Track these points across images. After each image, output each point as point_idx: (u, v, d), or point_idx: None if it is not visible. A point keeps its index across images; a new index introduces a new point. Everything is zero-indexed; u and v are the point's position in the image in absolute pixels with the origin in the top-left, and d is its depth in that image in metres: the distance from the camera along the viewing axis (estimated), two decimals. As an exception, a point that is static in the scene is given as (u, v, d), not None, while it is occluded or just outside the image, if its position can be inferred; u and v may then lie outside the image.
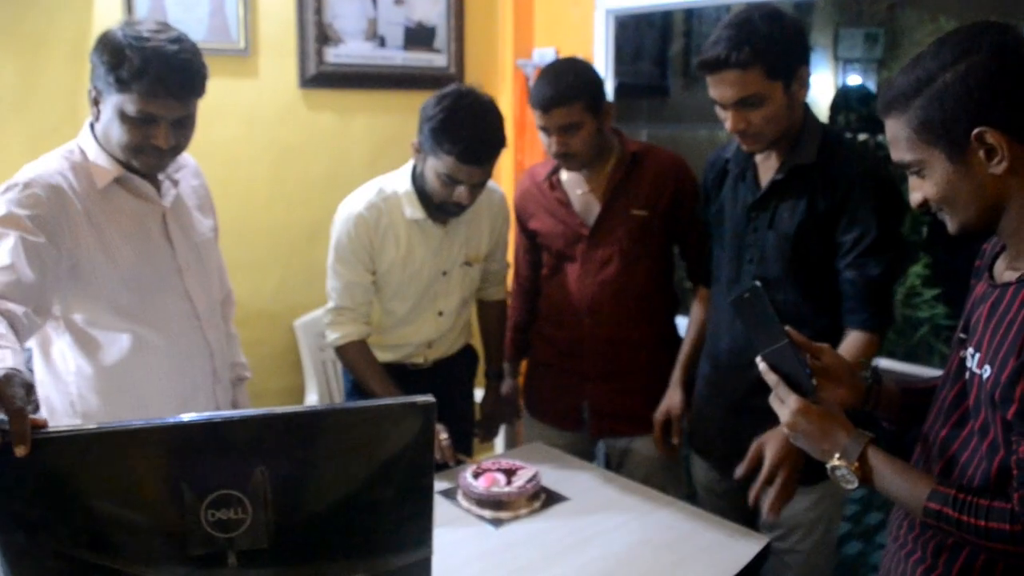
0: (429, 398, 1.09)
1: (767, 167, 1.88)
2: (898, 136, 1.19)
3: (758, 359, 1.32)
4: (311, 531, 1.08)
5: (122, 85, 1.57)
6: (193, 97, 1.66)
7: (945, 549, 1.22)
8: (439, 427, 2.03)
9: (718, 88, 1.74)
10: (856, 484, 1.22)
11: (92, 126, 1.70)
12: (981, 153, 1.12)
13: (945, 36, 1.17)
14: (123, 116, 1.60)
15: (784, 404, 1.29)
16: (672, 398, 2.17)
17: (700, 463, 2.13)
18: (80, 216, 1.63)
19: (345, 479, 1.08)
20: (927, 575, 1.25)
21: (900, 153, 1.20)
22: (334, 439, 1.08)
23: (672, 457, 2.27)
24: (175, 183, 1.81)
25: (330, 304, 2.19)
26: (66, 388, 1.73)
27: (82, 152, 1.69)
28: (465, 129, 1.94)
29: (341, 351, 2.20)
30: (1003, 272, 1.20)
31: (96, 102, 1.65)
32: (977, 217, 1.17)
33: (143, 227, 1.74)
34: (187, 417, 1.02)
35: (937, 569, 1.23)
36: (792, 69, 1.74)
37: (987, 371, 1.14)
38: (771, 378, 1.31)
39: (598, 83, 2.09)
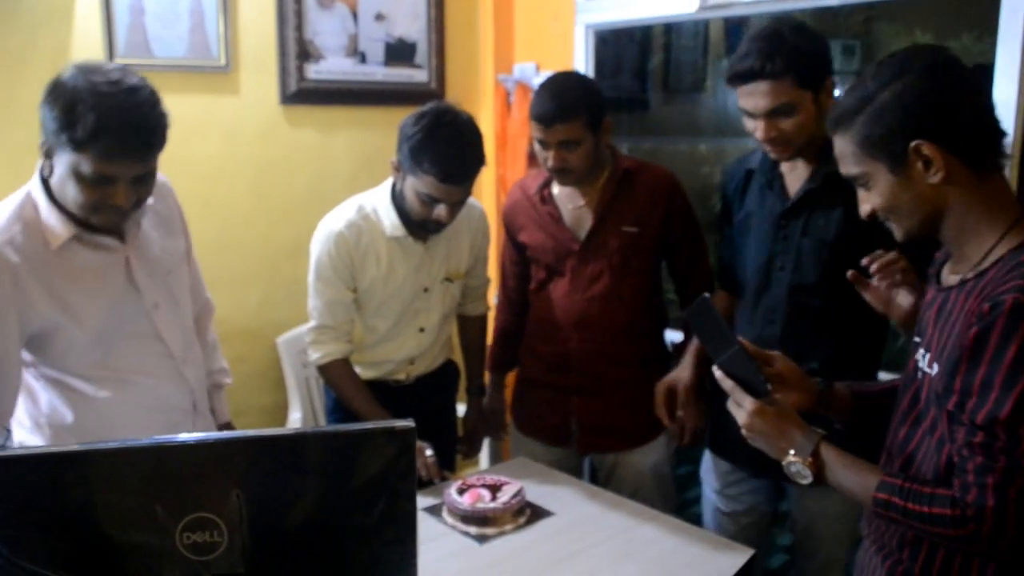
0: (409, 423, 1.08)
1: (795, 176, 1.90)
2: (845, 151, 1.28)
3: (714, 367, 1.40)
4: (288, 556, 1.06)
5: (76, 145, 1.44)
6: (154, 154, 1.54)
7: (907, 543, 1.27)
8: (424, 444, 2.02)
9: (751, 98, 1.77)
10: (810, 479, 1.30)
11: (42, 175, 1.58)
12: (919, 165, 1.20)
13: (883, 59, 1.26)
14: (79, 176, 1.47)
15: (741, 407, 1.37)
16: (681, 372, 2.12)
17: (720, 465, 2.13)
18: (34, 286, 1.55)
19: (323, 504, 1.07)
20: (894, 568, 1.29)
21: (847, 167, 1.29)
22: (311, 463, 1.07)
23: (659, 470, 2.28)
24: (138, 222, 1.70)
25: (312, 323, 2.18)
26: (42, 432, 1.69)
27: (34, 207, 1.57)
28: (444, 148, 1.93)
29: (324, 370, 2.19)
30: (948, 276, 1.28)
31: (48, 155, 1.52)
32: (920, 225, 1.26)
33: (106, 279, 1.65)
34: (161, 439, 1.01)
35: (903, 563, 1.28)
36: (821, 79, 1.77)
37: (935, 369, 1.22)
38: (727, 384, 1.39)
39: (600, 99, 2.09)
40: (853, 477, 1.27)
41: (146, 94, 1.51)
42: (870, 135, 1.22)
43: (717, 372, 1.40)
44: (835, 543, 2.02)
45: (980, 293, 1.16)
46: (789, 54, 1.71)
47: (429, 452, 2.01)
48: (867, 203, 1.30)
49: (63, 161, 1.48)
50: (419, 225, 2.07)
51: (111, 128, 1.43)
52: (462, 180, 1.99)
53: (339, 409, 2.26)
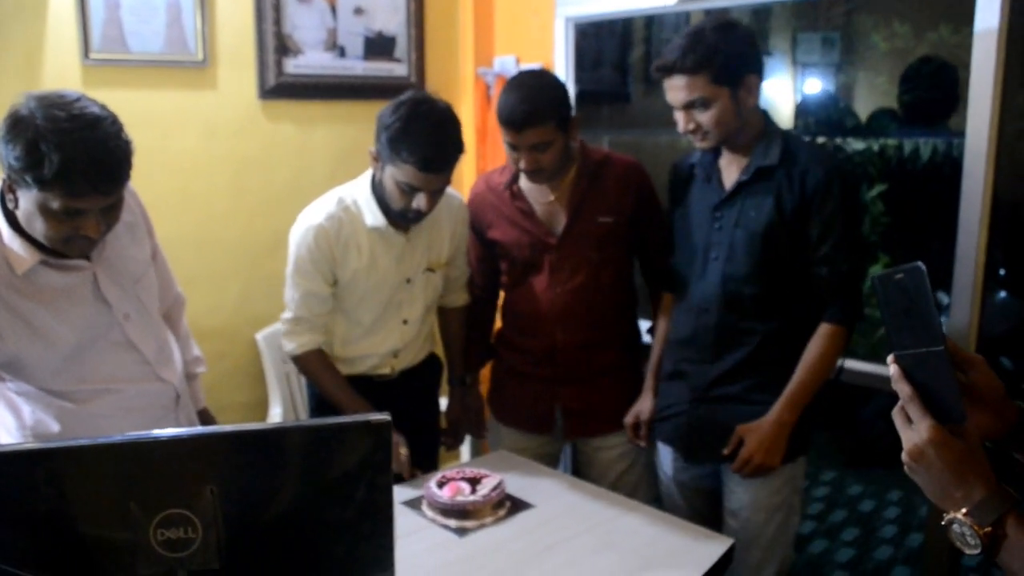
0: (384, 416, 1.09)
1: (731, 171, 1.98)
2: None
3: (890, 358, 1.02)
4: (264, 551, 1.07)
5: (44, 184, 1.41)
6: (122, 186, 1.51)
7: None
8: (399, 440, 2.03)
9: (670, 91, 1.89)
10: (978, 551, 0.94)
11: (2, 201, 1.56)
12: None
13: None
14: (47, 211, 1.45)
15: (913, 427, 0.99)
16: (643, 403, 2.20)
17: (667, 453, 2.18)
18: (1, 315, 1.54)
19: (298, 499, 1.08)
20: None
21: None
22: (286, 458, 1.07)
23: (641, 454, 2.30)
24: (103, 239, 1.66)
25: (287, 314, 2.18)
26: (22, 436, 1.68)
27: None
28: (422, 137, 1.93)
29: (299, 360, 2.20)
30: None
31: (11, 190, 1.49)
32: None
33: (74, 298, 1.63)
34: (135, 435, 1.00)
35: None
36: (739, 76, 1.86)
37: None
38: (903, 389, 1.00)
39: (566, 98, 2.09)
40: None
41: (108, 125, 1.47)
42: None
43: (893, 368, 1.01)
44: (771, 539, 2.01)
45: None
46: (704, 52, 1.81)
47: (404, 450, 2.04)
48: None
49: (29, 197, 1.46)
50: (399, 215, 2.07)
51: (77, 167, 1.40)
52: (441, 168, 1.98)
53: (321, 406, 2.26)
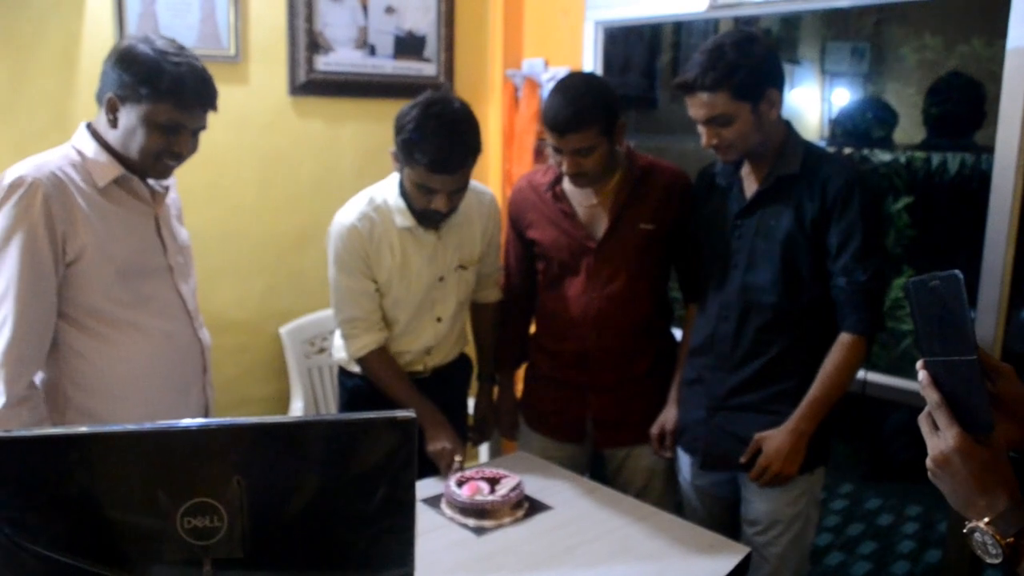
0: (410, 413, 1.10)
1: (752, 180, 1.98)
2: None
3: (920, 364, 1.01)
4: (288, 542, 1.08)
5: (158, 95, 1.66)
6: (212, 109, 1.78)
7: None
8: (456, 447, 2.08)
9: (691, 108, 1.89)
10: (999, 560, 0.94)
11: (90, 129, 1.75)
12: None
13: None
14: (152, 124, 1.68)
15: (939, 435, 0.98)
16: (668, 414, 2.19)
17: (686, 458, 2.18)
18: (80, 211, 1.68)
19: (323, 492, 1.09)
20: None
21: None
22: (312, 451, 1.08)
23: (669, 465, 2.30)
24: (165, 191, 1.86)
25: (340, 318, 2.19)
26: (61, 386, 1.73)
27: (79, 153, 1.74)
28: (434, 139, 1.93)
29: (363, 363, 2.20)
30: None
31: (114, 109, 1.71)
32: None
33: (138, 224, 1.80)
34: (164, 424, 1.02)
35: None
36: (760, 91, 1.85)
37: None
38: (932, 395, 0.99)
39: (613, 103, 2.05)
40: None
41: (203, 64, 1.76)
42: None
43: (922, 374, 1.00)
44: (787, 550, 1.99)
45: None
46: (724, 69, 1.81)
47: (459, 458, 2.05)
48: None
49: (135, 112, 1.68)
50: (421, 215, 2.08)
51: (188, 82, 1.69)
52: (453, 169, 1.98)
53: (353, 405, 2.27)
